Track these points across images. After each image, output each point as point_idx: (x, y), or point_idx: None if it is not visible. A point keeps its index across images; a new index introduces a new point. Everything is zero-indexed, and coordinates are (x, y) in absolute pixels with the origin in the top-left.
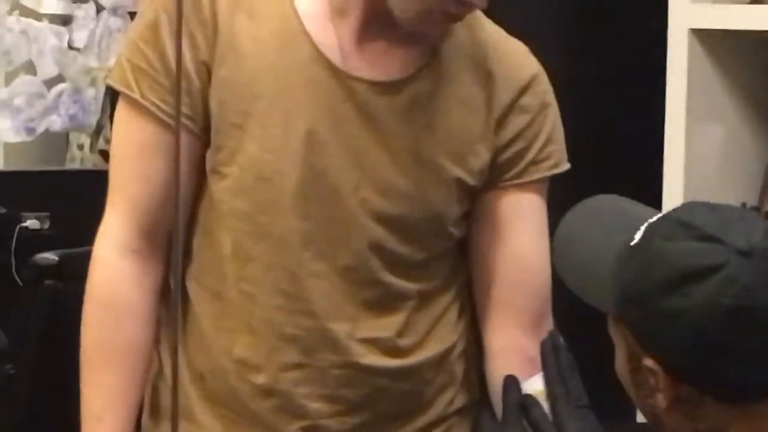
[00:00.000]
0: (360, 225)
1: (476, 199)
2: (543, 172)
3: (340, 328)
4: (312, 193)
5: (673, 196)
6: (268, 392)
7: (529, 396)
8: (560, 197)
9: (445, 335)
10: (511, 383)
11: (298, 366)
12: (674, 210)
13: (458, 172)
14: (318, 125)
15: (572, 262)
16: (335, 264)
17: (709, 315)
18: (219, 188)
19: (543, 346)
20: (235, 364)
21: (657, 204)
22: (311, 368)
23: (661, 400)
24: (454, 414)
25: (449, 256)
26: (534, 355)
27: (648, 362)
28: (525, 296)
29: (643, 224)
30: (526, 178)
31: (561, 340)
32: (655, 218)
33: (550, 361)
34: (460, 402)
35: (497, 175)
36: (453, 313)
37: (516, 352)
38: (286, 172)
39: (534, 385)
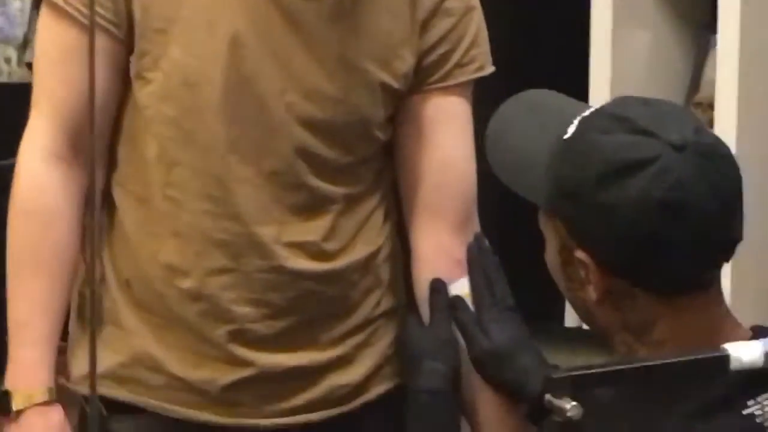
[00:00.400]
0: (286, 129)
1: (402, 103)
2: (468, 75)
3: (266, 232)
4: (237, 98)
5: (599, 103)
6: (194, 297)
7: (457, 298)
8: (486, 101)
9: (370, 239)
10: (439, 286)
11: (225, 270)
12: (607, 104)
13: (383, 76)
14: (243, 30)
15: (505, 156)
16: (261, 168)
17: (642, 208)
18: (143, 94)
19: (469, 249)
20: (162, 270)
21: None
22: (238, 272)
23: (591, 293)
24: (380, 316)
25: (375, 160)
26: (461, 257)
27: (580, 255)
28: (451, 199)
29: (575, 118)
30: (451, 81)
31: (486, 242)
32: (587, 112)
33: (475, 264)
34: (386, 305)
35: (422, 78)
36: (378, 217)
37: (443, 255)
38: (211, 77)
39: (461, 288)
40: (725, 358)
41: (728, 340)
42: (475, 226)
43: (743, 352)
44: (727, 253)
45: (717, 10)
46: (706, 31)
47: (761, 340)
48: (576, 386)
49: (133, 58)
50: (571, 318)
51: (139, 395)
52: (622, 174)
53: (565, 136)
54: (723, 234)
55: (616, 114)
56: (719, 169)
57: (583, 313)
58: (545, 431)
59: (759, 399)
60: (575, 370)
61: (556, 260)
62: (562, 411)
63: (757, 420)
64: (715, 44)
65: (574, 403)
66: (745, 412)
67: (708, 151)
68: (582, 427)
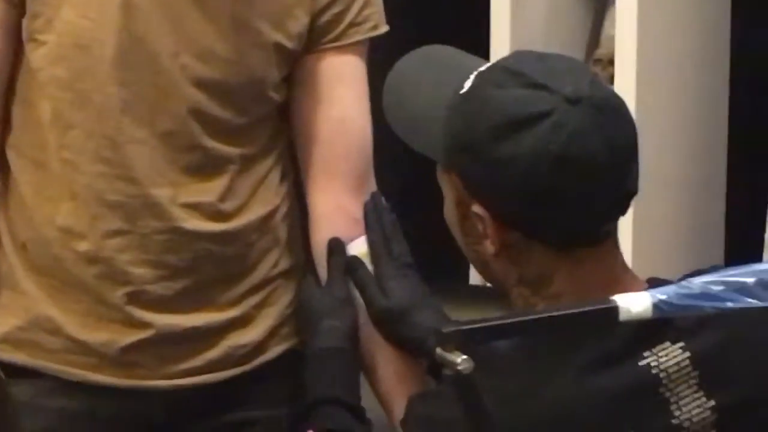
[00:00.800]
0: (179, 90)
1: (296, 63)
2: (362, 34)
3: (162, 194)
4: (131, 60)
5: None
6: (91, 260)
7: (354, 257)
8: (385, 61)
9: (267, 199)
10: (336, 246)
11: (121, 232)
12: (503, 58)
13: (277, 36)
14: None
15: (403, 112)
16: (156, 130)
17: (537, 161)
18: (36, 56)
19: (365, 207)
20: (58, 233)
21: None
22: (134, 234)
23: (488, 247)
24: (278, 276)
25: (270, 120)
26: (358, 217)
27: (476, 209)
28: (348, 159)
29: (472, 73)
30: (345, 41)
31: (383, 200)
32: (484, 67)
33: (372, 222)
34: (284, 265)
35: (316, 38)
36: (275, 177)
37: (341, 214)
38: (104, 39)
39: (359, 248)
40: (614, 310)
41: (625, 291)
42: (373, 185)
43: (632, 303)
44: (622, 207)
45: None
46: None
47: (649, 291)
48: (467, 340)
49: (25, 21)
50: (475, 275)
51: (38, 359)
52: (517, 128)
53: (462, 91)
54: (618, 187)
55: (510, 68)
56: (614, 122)
57: (481, 267)
58: (441, 385)
59: (655, 350)
60: (466, 323)
61: (454, 215)
62: (452, 365)
63: (653, 371)
64: (613, 3)
65: (464, 356)
66: (641, 363)
67: (602, 105)
68: (474, 381)
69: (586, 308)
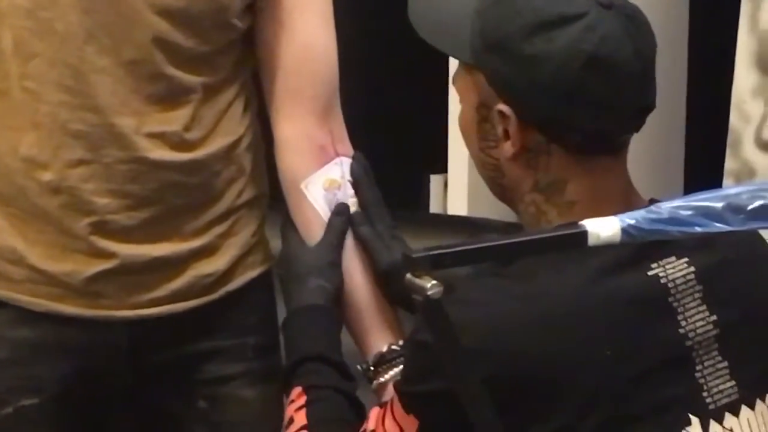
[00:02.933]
0: (143, 19)
1: None
2: None
3: (125, 123)
4: None
5: None
6: (55, 189)
7: (357, 213)
8: None
9: (231, 128)
10: (341, 208)
11: (85, 162)
12: None
13: None
14: None
15: (428, 14)
16: (119, 59)
17: (569, 60)
18: None
19: (353, 170)
20: (22, 163)
21: None
22: (98, 164)
23: (507, 149)
24: (243, 206)
25: (234, 49)
26: (324, 143)
27: (502, 107)
28: (313, 85)
29: None
30: None
31: (367, 164)
32: None
33: (365, 185)
34: (248, 194)
35: None
36: (239, 106)
37: (307, 141)
38: None
39: (329, 174)
40: (583, 234)
41: (631, 207)
42: (338, 112)
43: (601, 228)
44: (640, 119)
45: None
46: None
47: (618, 216)
48: (436, 264)
49: None
50: (436, 204)
51: (1, 288)
52: (551, 26)
53: None
54: (640, 96)
55: None
56: (642, 32)
57: (492, 172)
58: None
59: (661, 262)
60: (435, 249)
61: (473, 118)
62: (422, 290)
63: (662, 281)
64: None
65: (434, 281)
66: (649, 273)
67: (632, 14)
68: (443, 305)
69: (555, 233)
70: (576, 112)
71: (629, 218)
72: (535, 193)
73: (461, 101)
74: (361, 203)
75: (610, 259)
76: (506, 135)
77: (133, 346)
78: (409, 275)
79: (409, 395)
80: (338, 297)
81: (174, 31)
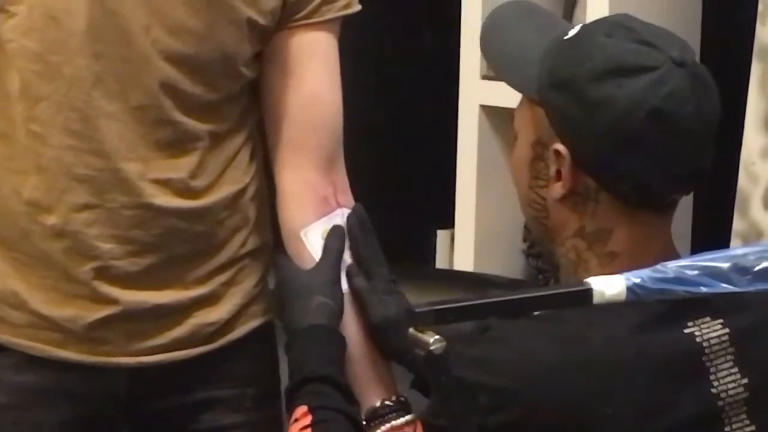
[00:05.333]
0: (151, 64)
1: (269, 40)
2: (334, 12)
3: (131, 168)
4: (102, 33)
5: (470, 44)
6: (59, 233)
7: (352, 265)
8: (358, 42)
9: (237, 177)
10: (336, 230)
11: (89, 206)
12: (613, 15)
13: (250, 11)
14: None
15: (500, 49)
16: (127, 104)
17: (634, 108)
18: (6, 28)
19: (350, 221)
20: (26, 206)
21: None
22: (102, 209)
23: (557, 190)
24: (246, 255)
25: (241, 97)
26: (326, 194)
27: (559, 147)
28: (317, 135)
29: (572, 26)
30: (317, 18)
31: (366, 217)
32: (588, 22)
33: (360, 237)
34: (252, 244)
35: (289, 14)
36: (245, 155)
37: (310, 192)
38: (75, 10)
39: (329, 225)
40: (588, 292)
41: None
42: (341, 164)
43: (606, 286)
44: (693, 181)
45: None
46: None
47: (624, 274)
48: (439, 319)
49: None
50: (442, 259)
51: (2, 333)
52: (621, 74)
53: (566, 37)
54: (697, 157)
55: (623, 23)
56: (708, 95)
57: (537, 211)
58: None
59: (697, 322)
60: (438, 303)
61: (527, 154)
62: (425, 344)
63: (697, 339)
64: None
65: (437, 336)
66: (686, 331)
67: (701, 75)
68: (447, 360)
69: (561, 290)
70: (631, 161)
71: (635, 277)
72: (578, 238)
73: (519, 135)
74: (354, 256)
75: (648, 314)
76: (558, 175)
77: (131, 393)
78: (411, 330)
79: None
80: (341, 314)
81: (182, 77)
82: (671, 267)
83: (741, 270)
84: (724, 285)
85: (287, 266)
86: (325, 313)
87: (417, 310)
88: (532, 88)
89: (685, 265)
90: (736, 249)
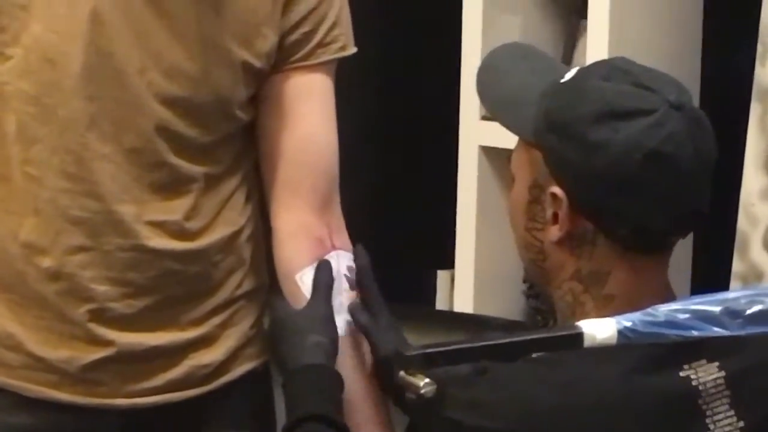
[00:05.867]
0: (146, 107)
1: (264, 82)
2: (330, 54)
3: (126, 211)
4: (97, 75)
5: (470, 86)
6: (54, 276)
7: (356, 303)
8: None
9: (232, 218)
10: (324, 265)
11: (84, 249)
12: (610, 59)
13: (245, 54)
14: (103, 5)
15: (495, 90)
16: (121, 146)
17: (631, 151)
18: (2, 70)
19: (359, 264)
20: (21, 248)
21: (454, 91)
22: (97, 251)
23: (554, 233)
24: (242, 297)
25: (237, 139)
26: (322, 236)
27: (555, 190)
28: (313, 176)
29: (568, 70)
30: (313, 60)
31: (367, 258)
32: (585, 66)
33: (368, 279)
34: (248, 285)
35: (284, 57)
36: (240, 197)
37: (305, 233)
38: (70, 53)
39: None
40: (579, 336)
41: None
42: (337, 205)
43: (597, 330)
44: (691, 223)
45: None
46: (576, 17)
47: (615, 317)
48: (428, 363)
49: None
50: (443, 300)
51: None
52: (619, 117)
53: (563, 80)
54: (694, 198)
55: (620, 66)
56: (705, 138)
57: (534, 254)
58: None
59: (693, 365)
60: (428, 347)
61: (524, 197)
62: (415, 388)
63: (693, 383)
64: (585, 29)
65: (427, 380)
66: (681, 374)
67: (698, 119)
68: (437, 403)
69: (551, 333)
70: (629, 204)
71: (626, 320)
72: (575, 281)
73: (516, 179)
74: (363, 297)
75: (644, 357)
76: (555, 218)
77: None
78: (402, 373)
79: None
80: (336, 351)
81: (177, 120)
82: (662, 310)
83: (732, 313)
84: (716, 329)
85: (281, 306)
86: (320, 352)
87: (407, 353)
88: (528, 131)
89: (676, 309)
90: (728, 293)
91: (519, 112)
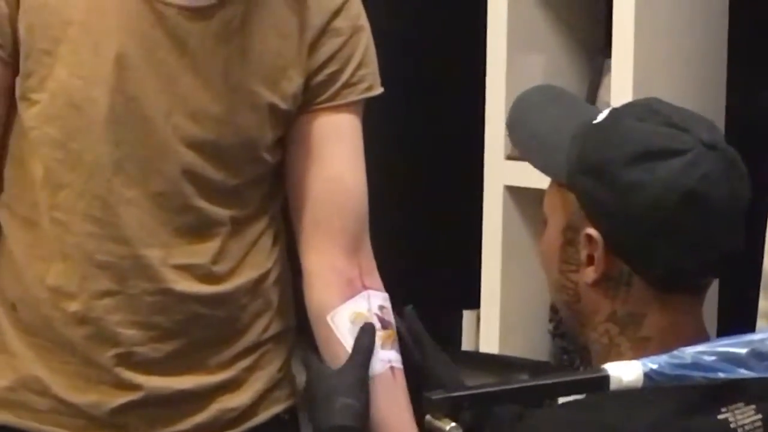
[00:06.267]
0: (172, 151)
1: (291, 124)
2: (356, 95)
3: (153, 255)
4: (123, 120)
5: (494, 125)
6: (81, 320)
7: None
8: (382, 122)
9: (259, 262)
10: (369, 328)
11: (111, 293)
12: (643, 99)
13: (271, 97)
14: (128, 50)
15: (527, 134)
16: (148, 190)
17: (667, 192)
18: (29, 115)
19: (409, 324)
20: (48, 293)
21: (479, 129)
22: (124, 295)
23: (589, 274)
24: (269, 340)
25: (263, 182)
26: (352, 276)
27: (591, 232)
28: (341, 218)
29: (599, 111)
30: (339, 101)
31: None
32: (619, 105)
33: (421, 333)
34: (275, 328)
35: (311, 98)
36: (267, 240)
37: (335, 275)
38: (96, 98)
39: (356, 308)
40: (605, 379)
41: None
42: (367, 245)
43: (623, 373)
44: (726, 263)
45: (611, 35)
46: (600, 56)
47: (641, 360)
48: (455, 407)
49: (18, 80)
50: (468, 341)
51: (26, 419)
52: (653, 157)
53: (595, 121)
54: (730, 239)
55: (652, 107)
56: (739, 177)
57: (568, 296)
58: None
59: (730, 408)
60: (455, 390)
61: (557, 240)
62: None
63: (731, 425)
64: (609, 68)
65: (453, 424)
66: (720, 417)
67: (732, 159)
68: None
69: (577, 377)
70: (665, 245)
71: (652, 363)
72: (610, 323)
73: (549, 222)
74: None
75: (683, 400)
76: (590, 260)
77: None
78: (428, 417)
79: None
80: (366, 416)
81: (203, 163)
82: (689, 352)
83: (759, 355)
84: (742, 370)
85: (316, 366)
86: (350, 414)
87: (433, 397)
88: (561, 173)
89: (702, 351)
90: (754, 335)
91: (551, 155)
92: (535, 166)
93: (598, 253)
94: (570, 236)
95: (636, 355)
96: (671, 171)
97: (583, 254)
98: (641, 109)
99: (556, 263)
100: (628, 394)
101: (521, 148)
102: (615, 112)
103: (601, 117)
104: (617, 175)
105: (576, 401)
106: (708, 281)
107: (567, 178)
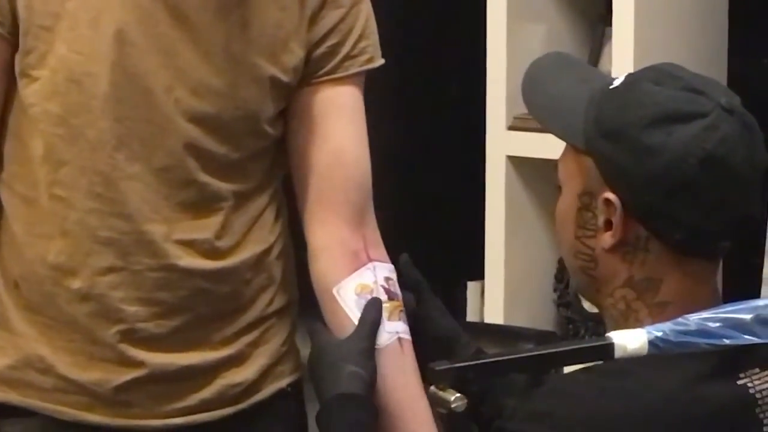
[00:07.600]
0: (174, 125)
1: (292, 97)
2: (357, 66)
3: (156, 230)
4: (124, 95)
5: (496, 95)
6: (84, 297)
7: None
8: (382, 94)
9: (262, 236)
10: (376, 302)
11: (114, 269)
12: (659, 64)
13: (272, 69)
14: (128, 25)
15: (543, 99)
16: (150, 165)
17: (686, 155)
18: (29, 92)
19: (408, 276)
20: (50, 270)
21: (480, 100)
22: (127, 271)
23: (606, 239)
24: (273, 315)
25: (265, 156)
26: (357, 248)
27: (609, 196)
28: (345, 190)
29: (615, 77)
30: (340, 73)
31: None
32: (634, 72)
33: (426, 294)
34: (278, 303)
35: (312, 71)
36: (270, 214)
37: (340, 247)
38: (96, 73)
39: (361, 280)
40: (610, 347)
41: None
42: (372, 217)
43: (628, 341)
44: (744, 228)
45: (612, 3)
46: (600, 24)
47: (646, 328)
48: (459, 378)
49: (18, 56)
50: (473, 312)
51: (30, 398)
52: (672, 120)
53: (612, 86)
54: (748, 203)
55: (670, 72)
56: (757, 142)
57: (585, 262)
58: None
59: (748, 373)
60: (458, 361)
61: (573, 205)
62: (446, 402)
63: (750, 391)
64: (610, 37)
65: (458, 394)
66: (739, 382)
67: (749, 123)
68: (468, 418)
69: (581, 345)
70: (684, 208)
71: (656, 330)
72: (628, 288)
73: (563, 187)
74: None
75: (703, 365)
76: (608, 225)
77: None
78: (432, 388)
79: None
80: (373, 385)
81: (206, 137)
82: (693, 319)
83: (764, 321)
84: (747, 336)
85: (322, 335)
86: (357, 382)
87: (437, 368)
88: (579, 138)
89: (707, 317)
90: (759, 300)
91: (568, 120)
92: (552, 131)
93: (616, 218)
94: (587, 201)
95: (654, 321)
96: (690, 134)
97: (601, 219)
98: (658, 74)
99: (571, 229)
100: (651, 359)
101: (537, 113)
102: (632, 76)
103: (617, 82)
104: (635, 138)
105: (597, 366)
106: (725, 246)
107: (585, 142)
